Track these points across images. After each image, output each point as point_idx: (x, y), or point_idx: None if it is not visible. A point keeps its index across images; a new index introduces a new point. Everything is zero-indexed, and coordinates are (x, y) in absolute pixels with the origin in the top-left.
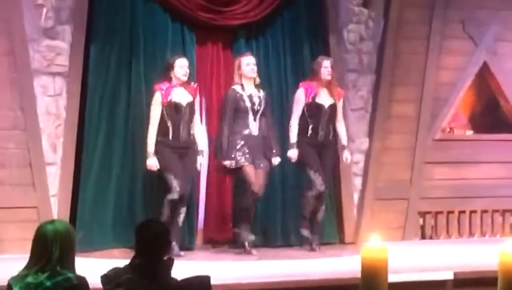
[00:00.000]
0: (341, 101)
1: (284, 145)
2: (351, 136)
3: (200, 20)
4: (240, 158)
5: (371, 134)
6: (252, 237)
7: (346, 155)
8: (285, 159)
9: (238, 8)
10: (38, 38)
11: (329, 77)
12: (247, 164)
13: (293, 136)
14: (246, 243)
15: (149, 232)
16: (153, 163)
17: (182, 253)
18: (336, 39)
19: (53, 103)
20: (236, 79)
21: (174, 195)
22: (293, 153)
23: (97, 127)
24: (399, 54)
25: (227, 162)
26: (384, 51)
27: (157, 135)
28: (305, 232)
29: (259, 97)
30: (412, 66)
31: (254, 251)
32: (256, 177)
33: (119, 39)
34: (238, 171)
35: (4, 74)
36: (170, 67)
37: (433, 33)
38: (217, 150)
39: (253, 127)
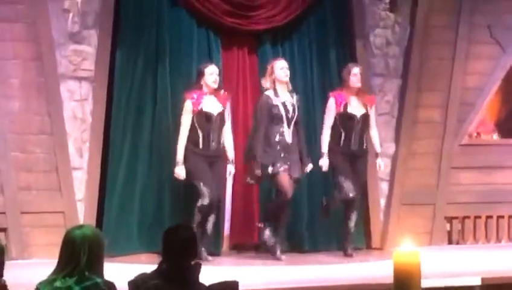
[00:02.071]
0: (373, 108)
1: (310, 151)
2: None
3: (226, 25)
4: (275, 166)
5: (397, 139)
6: (269, 238)
7: (379, 162)
8: (313, 165)
9: (264, 12)
10: (64, 43)
11: (359, 84)
12: (282, 169)
13: (324, 146)
14: (278, 251)
15: (176, 237)
16: (180, 172)
17: (210, 258)
18: (362, 44)
19: (79, 108)
20: (268, 84)
21: (204, 201)
22: (324, 162)
23: (123, 131)
24: (425, 59)
25: (258, 171)
26: (410, 55)
27: (187, 143)
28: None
29: (293, 104)
30: (439, 71)
31: (283, 257)
32: (288, 183)
33: (145, 44)
34: (271, 178)
35: (31, 79)
36: (200, 74)
37: (460, 38)
38: (248, 156)
39: (287, 134)
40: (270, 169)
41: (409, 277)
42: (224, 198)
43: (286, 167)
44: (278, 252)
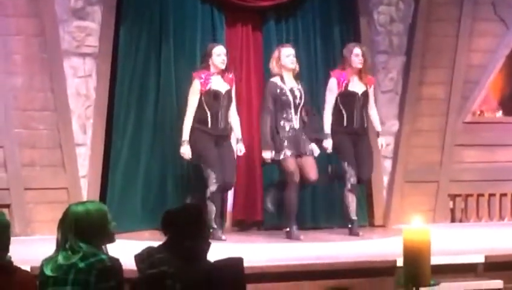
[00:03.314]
0: (372, 87)
1: None
2: (381, 119)
3: (230, 1)
4: (282, 151)
5: (401, 116)
6: (299, 235)
7: (381, 141)
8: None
9: None
10: (68, 19)
11: (360, 65)
12: (288, 154)
13: (327, 126)
14: (294, 229)
15: (183, 214)
16: (186, 151)
17: (224, 237)
18: (366, 21)
19: (83, 84)
20: (275, 70)
21: (213, 188)
22: (328, 143)
23: (127, 108)
24: (429, 36)
25: (267, 155)
26: (414, 33)
27: (195, 122)
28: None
29: (300, 90)
30: (443, 49)
31: (302, 236)
32: (304, 164)
33: (148, 20)
34: (279, 163)
35: (34, 55)
36: (208, 55)
37: (464, 15)
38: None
39: (295, 120)
40: (277, 155)
41: (418, 254)
42: (236, 178)
43: (293, 152)
44: (296, 232)
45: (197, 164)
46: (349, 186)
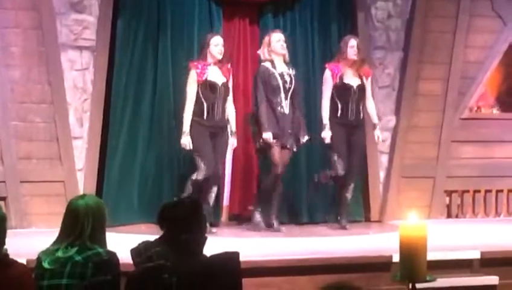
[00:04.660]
0: (369, 80)
1: (311, 123)
2: (378, 114)
3: None
4: (273, 137)
5: (397, 112)
6: (259, 223)
7: (377, 134)
8: (311, 138)
9: None
10: (65, 12)
11: (355, 57)
12: (275, 143)
13: (325, 117)
14: (275, 223)
15: (180, 207)
16: (187, 142)
17: (214, 230)
18: (363, 16)
19: (80, 77)
20: (265, 55)
21: (198, 176)
22: (326, 134)
23: (124, 101)
24: (427, 32)
25: (268, 136)
26: (412, 28)
27: (192, 113)
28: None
29: (290, 75)
30: (440, 44)
31: (283, 228)
32: (281, 156)
33: (146, 13)
34: (268, 149)
35: (32, 48)
36: (205, 45)
37: (462, 11)
38: (254, 127)
39: (285, 105)
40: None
41: (415, 250)
42: (224, 170)
43: (280, 139)
44: (276, 224)
45: (190, 154)
46: (334, 174)
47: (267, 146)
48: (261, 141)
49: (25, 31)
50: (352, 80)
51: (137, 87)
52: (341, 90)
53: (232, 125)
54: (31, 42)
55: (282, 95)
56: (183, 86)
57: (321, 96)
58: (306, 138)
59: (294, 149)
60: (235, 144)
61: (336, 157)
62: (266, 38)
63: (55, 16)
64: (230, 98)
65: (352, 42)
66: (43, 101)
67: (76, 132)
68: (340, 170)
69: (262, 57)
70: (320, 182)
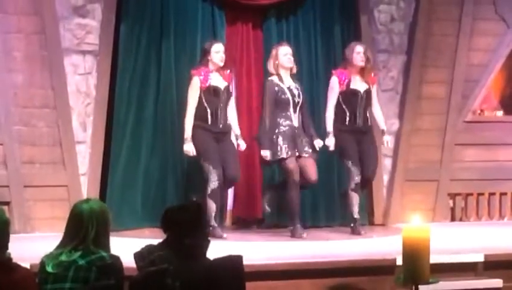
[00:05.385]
0: (375, 86)
1: (315, 130)
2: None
3: (230, 0)
4: (282, 150)
5: (401, 115)
6: (301, 231)
7: (386, 139)
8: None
9: None
10: (68, 16)
11: (362, 63)
12: (288, 154)
13: (329, 125)
14: (298, 229)
15: (183, 212)
16: (189, 149)
17: (225, 235)
18: (366, 19)
19: (83, 82)
20: (272, 69)
21: (213, 184)
22: (330, 142)
23: (127, 105)
24: (430, 35)
25: (267, 153)
26: (415, 32)
27: (195, 119)
28: (362, 231)
29: (298, 89)
30: (443, 48)
31: (305, 234)
32: (303, 165)
33: (149, 18)
34: (279, 162)
35: (35, 53)
36: (206, 52)
37: (465, 15)
38: (259, 143)
39: (294, 119)
40: (277, 155)
41: (418, 252)
42: (239, 173)
43: (293, 151)
44: (299, 230)
45: (198, 161)
46: (353, 185)
47: (274, 161)
48: (269, 155)
49: (27, 36)
50: (359, 85)
51: (141, 91)
52: (348, 96)
53: (236, 129)
54: (33, 47)
55: (291, 109)
56: (186, 91)
57: (325, 102)
58: (320, 142)
59: (307, 154)
60: (244, 145)
61: (350, 165)
62: (273, 52)
63: (58, 21)
64: (232, 102)
65: (359, 48)
66: (46, 106)
67: (80, 137)
68: (356, 175)
69: (269, 70)
70: (347, 193)
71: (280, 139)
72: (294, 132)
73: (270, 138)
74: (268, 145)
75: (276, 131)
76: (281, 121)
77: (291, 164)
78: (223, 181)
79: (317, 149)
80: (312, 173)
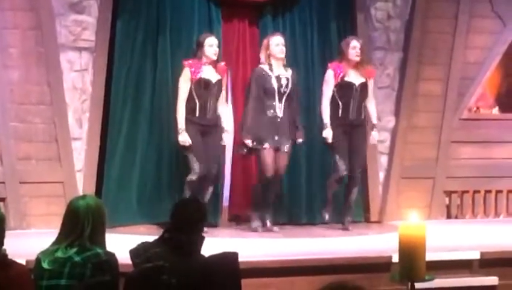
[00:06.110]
0: (372, 80)
1: (310, 124)
2: (378, 115)
3: None
4: (260, 142)
5: (397, 112)
6: (257, 224)
7: (374, 134)
8: (310, 138)
9: None
10: (64, 12)
11: (357, 58)
12: (267, 146)
13: (326, 117)
14: (267, 222)
15: (186, 210)
16: (185, 139)
17: (206, 229)
18: (363, 17)
19: (79, 78)
20: (263, 58)
21: (193, 176)
22: (327, 133)
23: (123, 102)
24: (427, 32)
25: (247, 141)
26: (411, 29)
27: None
28: (326, 215)
29: (287, 78)
30: (440, 45)
31: (275, 228)
32: (277, 159)
33: (145, 14)
34: (257, 152)
35: (31, 49)
36: (200, 45)
37: (461, 12)
38: (240, 128)
39: (278, 109)
40: (255, 144)
41: (414, 249)
42: (223, 168)
43: (272, 143)
44: (269, 224)
45: (183, 154)
46: (336, 177)
47: (253, 149)
48: (242, 144)
49: (23, 32)
50: (354, 78)
51: (137, 88)
52: (343, 88)
53: (225, 123)
54: (29, 43)
55: (277, 98)
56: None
57: (321, 96)
58: (300, 140)
59: (285, 150)
60: (225, 143)
61: (337, 158)
62: (265, 42)
63: (54, 17)
64: (223, 96)
65: (354, 43)
66: (42, 102)
67: (76, 133)
68: (343, 170)
69: (260, 60)
70: (331, 202)
71: (261, 129)
72: (277, 122)
73: (252, 125)
74: (250, 134)
75: (259, 119)
76: (265, 109)
77: (269, 158)
78: (204, 176)
79: (297, 143)
80: (280, 167)
